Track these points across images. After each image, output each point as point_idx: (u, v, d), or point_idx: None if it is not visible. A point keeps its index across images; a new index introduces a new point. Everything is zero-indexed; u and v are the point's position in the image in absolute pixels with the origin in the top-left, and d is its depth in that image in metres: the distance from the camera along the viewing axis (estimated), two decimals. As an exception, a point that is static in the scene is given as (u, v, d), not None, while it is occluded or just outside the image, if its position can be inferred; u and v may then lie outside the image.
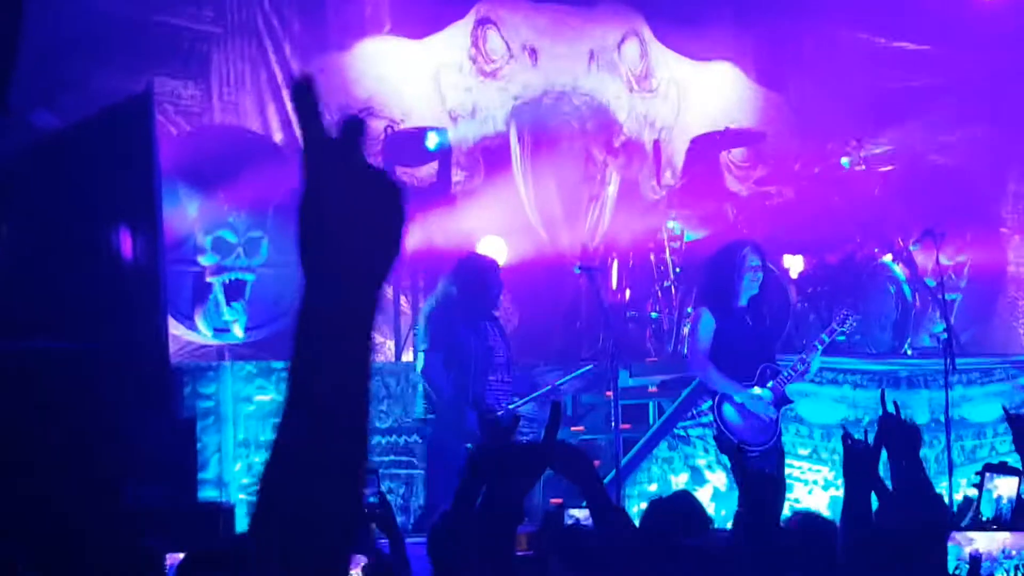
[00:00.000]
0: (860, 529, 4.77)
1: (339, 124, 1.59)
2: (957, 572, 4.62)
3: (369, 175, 1.59)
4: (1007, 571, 4.68)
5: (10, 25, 6.05)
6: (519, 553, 4.41)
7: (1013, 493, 6.24)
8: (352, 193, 1.56)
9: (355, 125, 1.59)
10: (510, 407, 9.97)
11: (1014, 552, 4.64)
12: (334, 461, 1.51)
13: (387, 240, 1.56)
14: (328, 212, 1.56)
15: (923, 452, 9.90)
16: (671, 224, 12.02)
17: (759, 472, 8.35)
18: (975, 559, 4.62)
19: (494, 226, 12.22)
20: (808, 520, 5.57)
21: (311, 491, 1.49)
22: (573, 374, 10.79)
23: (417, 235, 11.47)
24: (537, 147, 13.04)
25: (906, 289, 12.09)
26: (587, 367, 10.88)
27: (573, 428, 10.92)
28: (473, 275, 10.14)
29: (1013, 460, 6.38)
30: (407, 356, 11.69)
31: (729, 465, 9.90)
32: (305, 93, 1.61)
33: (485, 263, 10.37)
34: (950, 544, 4.56)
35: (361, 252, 1.54)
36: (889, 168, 12.66)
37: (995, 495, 6.36)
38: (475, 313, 10.03)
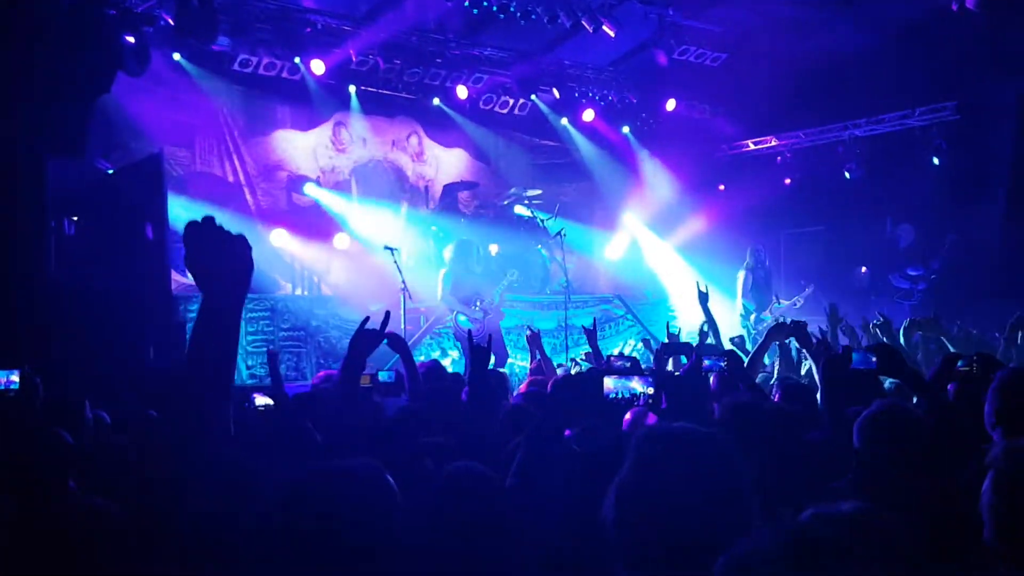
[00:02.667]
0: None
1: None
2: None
3: (231, 242, 1.82)
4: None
5: (86, 112, 8.73)
6: (362, 386, 4.77)
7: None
8: (221, 253, 1.82)
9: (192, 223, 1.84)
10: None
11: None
12: (218, 339, 1.82)
13: (244, 275, 1.85)
14: (204, 265, 1.82)
15: (553, 342, 12.48)
16: (434, 227, 13.57)
17: (479, 347, 10.96)
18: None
19: (350, 211, 13.40)
20: (497, 373, 6.73)
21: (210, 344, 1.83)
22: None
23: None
24: (364, 188, 14.13)
25: (547, 262, 13.85)
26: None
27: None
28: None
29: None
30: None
31: (461, 346, 11.43)
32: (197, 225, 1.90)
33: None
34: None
35: (229, 284, 1.83)
36: (539, 201, 14.25)
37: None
38: None
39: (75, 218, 9.65)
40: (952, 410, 3.87)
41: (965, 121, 12.87)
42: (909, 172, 13.22)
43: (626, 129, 15.40)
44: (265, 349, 11.26)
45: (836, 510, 1.40)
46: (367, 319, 3.90)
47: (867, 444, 2.93)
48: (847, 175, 13.92)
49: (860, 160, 13.82)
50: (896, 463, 2.83)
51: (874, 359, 4.42)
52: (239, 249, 1.89)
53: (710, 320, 7.24)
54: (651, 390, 4.09)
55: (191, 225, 1.88)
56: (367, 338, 3.80)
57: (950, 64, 11.80)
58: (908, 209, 13.64)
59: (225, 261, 1.88)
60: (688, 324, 13.15)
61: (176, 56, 11.79)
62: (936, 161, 13.16)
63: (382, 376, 6.51)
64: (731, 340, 7.69)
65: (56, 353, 7.81)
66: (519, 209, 14.25)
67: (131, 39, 10.34)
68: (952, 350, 6.21)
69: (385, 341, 4.01)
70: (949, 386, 4.39)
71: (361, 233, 13.33)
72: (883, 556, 1.33)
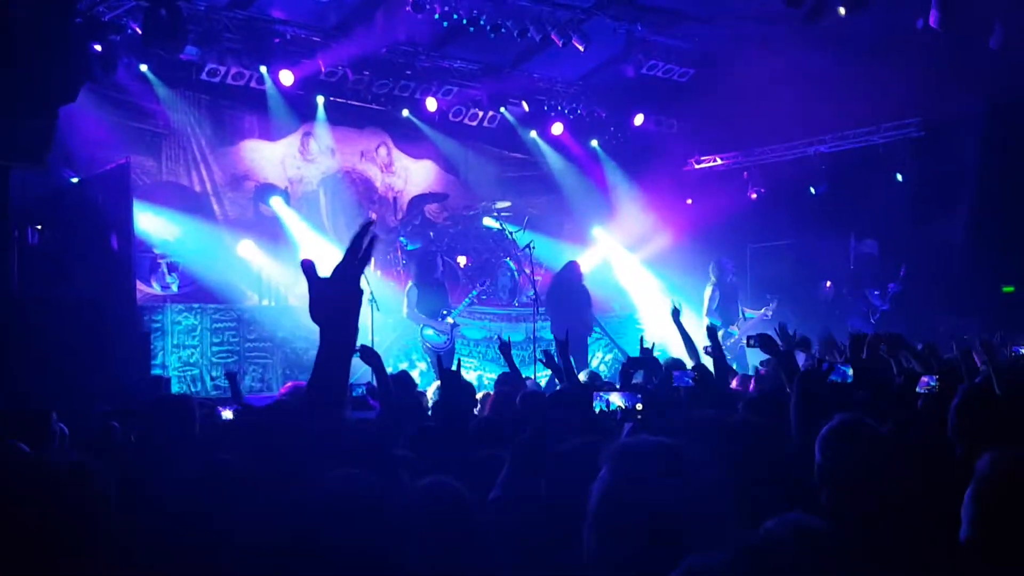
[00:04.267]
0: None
1: (363, 228, 2.01)
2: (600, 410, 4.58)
3: (355, 281, 1.93)
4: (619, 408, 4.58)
5: (51, 121, 8.36)
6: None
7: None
8: (347, 289, 1.96)
9: (367, 231, 1.98)
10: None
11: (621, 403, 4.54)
12: (339, 357, 1.97)
13: (357, 310, 1.99)
14: (330, 300, 1.97)
15: (522, 354, 12.39)
16: (402, 239, 13.50)
17: (447, 371, 10.10)
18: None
19: (309, 236, 13.14)
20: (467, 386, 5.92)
21: (333, 360, 1.97)
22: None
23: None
24: (332, 199, 14.08)
25: (515, 274, 13.74)
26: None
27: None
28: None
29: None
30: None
31: (429, 358, 11.62)
32: (366, 230, 1.97)
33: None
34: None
35: (347, 317, 1.97)
36: (508, 214, 14.25)
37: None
38: None
39: (39, 227, 9.59)
40: (917, 423, 3.92)
41: (929, 138, 13.04)
42: (874, 188, 13.38)
43: (595, 143, 15.55)
44: (230, 360, 11.29)
45: (785, 524, 1.41)
46: None
47: (827, 458, 2.93)
48: (812, 191, 14.07)
49: (825, 176, 13.97)
50: (856, 477, 2.83)
51: (849, 372, 4.56)
52: (357, 296, 2.03)
53: (684, 336, 7.20)
54: (639, 406, 4.14)
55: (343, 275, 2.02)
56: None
57: (915, 81, 11.90)
58: (872, 225, 13.79)
59: (350, 304, 2.03)
60: (656, 338, 13.09)
61: (143, 67, 11.83)
62: (900, 177, 13.34)
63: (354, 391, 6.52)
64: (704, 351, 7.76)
65: (19, 365, 7.76)
66: (488, 221, 14.29)
67: (98, 48, 10.38)
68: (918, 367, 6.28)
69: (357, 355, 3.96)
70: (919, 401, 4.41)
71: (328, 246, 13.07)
72: (831, 569, 1.32)
